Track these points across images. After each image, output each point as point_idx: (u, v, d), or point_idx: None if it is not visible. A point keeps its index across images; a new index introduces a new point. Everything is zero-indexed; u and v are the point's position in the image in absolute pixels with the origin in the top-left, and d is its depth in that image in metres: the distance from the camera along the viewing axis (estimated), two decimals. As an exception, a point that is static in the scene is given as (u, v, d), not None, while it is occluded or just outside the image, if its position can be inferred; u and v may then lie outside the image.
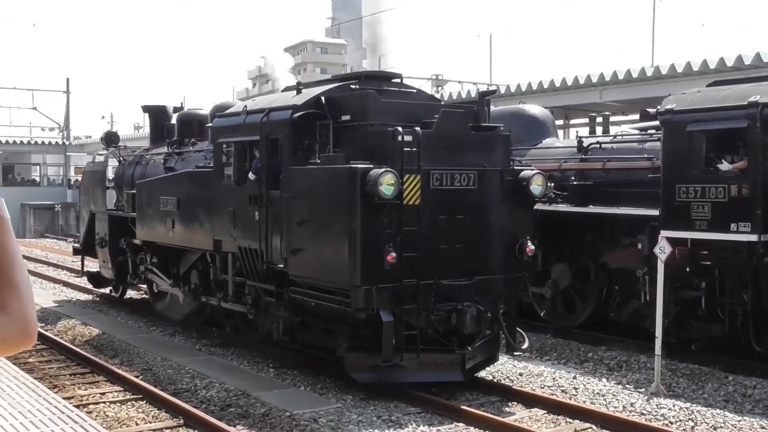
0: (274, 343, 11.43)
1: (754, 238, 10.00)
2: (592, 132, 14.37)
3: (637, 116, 18.08)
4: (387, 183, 8.87)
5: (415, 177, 9.30)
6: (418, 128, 9.42)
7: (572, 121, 20.44)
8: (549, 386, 10.19)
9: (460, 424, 8.67)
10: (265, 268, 10.73)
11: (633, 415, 8.86)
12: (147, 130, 28.37)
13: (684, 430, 8.34)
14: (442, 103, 11.99)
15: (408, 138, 9.29)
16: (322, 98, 10.21)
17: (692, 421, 8.58)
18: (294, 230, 10.08)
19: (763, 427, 8.33)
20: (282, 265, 10.31)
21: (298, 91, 10.87)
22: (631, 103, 18.31)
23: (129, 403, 9.64)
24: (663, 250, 9.91)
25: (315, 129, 10.30)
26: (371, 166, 9.02)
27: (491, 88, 16.64)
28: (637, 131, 13.12)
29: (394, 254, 9.02)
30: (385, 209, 9.07)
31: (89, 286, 18.39)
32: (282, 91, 12.32)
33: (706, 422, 8.52)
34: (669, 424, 8.51)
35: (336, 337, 9.86)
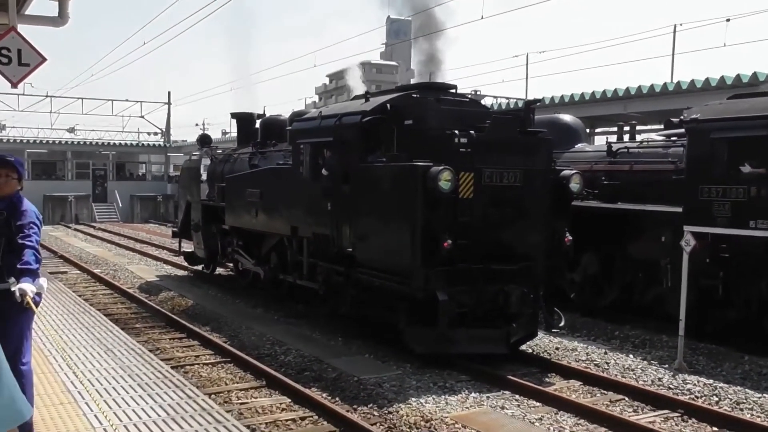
0: (341, 316, 11.13)
1: (771, 233, 9.42)
2: (620, 138, 13.75)
3: (654, 126, 17.43)
4: (445, 179, 8.53)
5: (470, 174, 8.95)
6: (472, 132, 9.05)
7: (597, 130, 19.79)
8: (583, 360, 9.69)
9: (507, 392, 8.24)
10: (336, 252, 10.45)
11: (661, 389, 8.32)
12: (234, 134, 28.44)
13: (710, 404, 7.77)
14: (492, 110, 11.55)
15: (463, 140, 8.96)
16: (388, 105, 9.88)
17: (716, 396, 8.01)
18: (362, 219, 9.78)
19: (781, 403, 7.74)
20: (350, 249, 10.04)
21: (366, 99, 10.55)
22: (650, 114, 17.62)
23: (219, 365, 9.40)
24: (688, 243, 9.37)
25: (381, 132, 9.97)
26: (431, 164, 8.66)
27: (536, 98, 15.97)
28: (661, 138, 12.49)
29: (449, 241, 8.68)
30: (442, 202, 8.70)
31: (185, 264, 18.36)
32: (351, 99, 11.98)
33: (729, 398, 7.94)
34: (695, 399, 7.96)
35: (396, 313, 9.51)
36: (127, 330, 10.86)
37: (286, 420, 7.23)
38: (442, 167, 8.55)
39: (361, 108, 10.19)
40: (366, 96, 10.75)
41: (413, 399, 7.79)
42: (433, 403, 7.68)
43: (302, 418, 7.31)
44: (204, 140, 18.41)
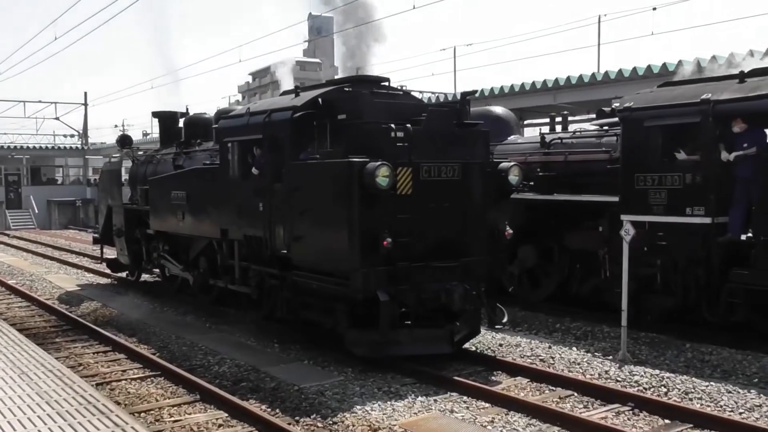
0: (276, 321, 10.62)
1: (708, 220, 9.42)
2: (552, 129, 13.68)
3: (584, 116, 17.51)
4: (383, 175, 8.17)
5: (408, 169, 8.61)
6: (409, 125, 8.71)
7: (527, 121, 19.84)
8: (528, 356, 9.48)
9: (454, 394, 7.92)
10: (269, 254, 9.95)
11: (609, 382, 8.17)
12: (155, 135, 27.37)
13: (659, 396, 7.65)
14: (428, 103, 11.25)
15: (400, 134, 8.62)
16: (320, 99, 9.47)
17: (665, 387, 7.89)
18: (296, 219, 9.31)
19: (729, 391, 7.68)
20: (285, 251, 9.57)
21: (297, 94, 10.08)
22: (580, 104, 17.72)
23: (149, 379, 8.76)
24: (628, 232, 9.29)
25: (313, 127, 9.53)
26: (368, 159, 8.26)
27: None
28: (594, 128, 12.46)
29: (389, 239, 8.33)
30: (380, 199, 8.32)
31: (108, 271, 17.45)
32: (280, 95, 11.47)
33: (677, 388, 7.83)
34: (644, 390, 7.83)
35: (336, 315, 9.08)
36: (46, 346, 10.09)
37: (224, 438, 6.72)
38: (379, 163, 8.18)
39: (291, 103, 9.73)
40: (296, 91, 10.29)
41: (358, 407, 7.38)
42: (379, 410, 7.29)
43: (241, 435, 6.81)
44: (124, 141, 17.53)
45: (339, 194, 8.58)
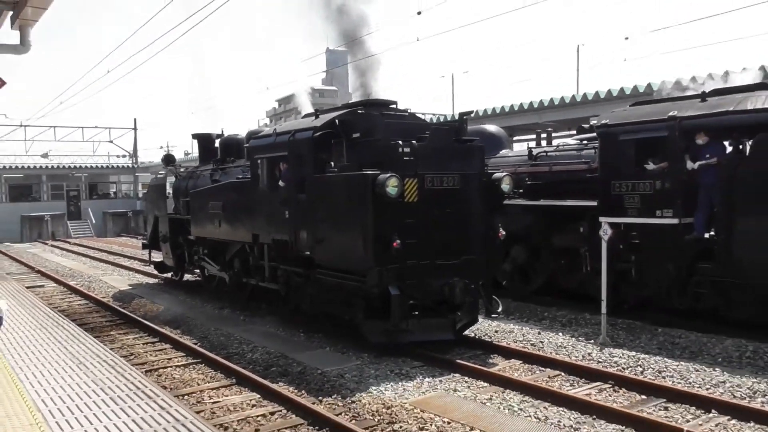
0: (302, 314, 10.57)
1: (675, 221, 9.32)
2: (538, 144, 13.59)
3: (566, 132, 17.42)
4: (392, 185, 8.11)
5: (414, 180, 8.54)
6: (414, 142, 8.66)
7: (516, 137, 19.75)
8: (520, 340, 9.38)
9: (457, 375, 7.85)
10: (295, 255, 9.90)
11: (592, 363, 8.07)
12: (195, 154, 27.36)
13: (636, 374, 7.55)
14: (430, 122, 11.19)
15: (407, 149, 8.55)
16: (337, 120, 9.41)
17: (641, 366, 7.79)
18: (318, 225, 9.26)
19: (696, 370, 7.56)
20: (308, 252, 9.51)
21: (316, 116, 10.05)
22: (562, 122, 17.63)
23: (191, 366, 8.73)
24: (606, 232, 9.20)
25: (331, 145, 9.49)
26: (379, 172, 8.22)
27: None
28: (575, 142, 12.37)
29: (398, 241, 8.27)
30: (390, 206, 8.26)
31: (155, 272, 17.43)
32: (302, 117, 11.44)
33: (651, 367, 7.72)
34: (622, 370, 7.73)
35: (353, 308, 9.02)
36: (102, 338, 10.08)
37: (257, 416, 6.67)
38: (389, 174, 8.13)
39: (312, 124, 9.69)
40: (316, 114, 10.26)
41: (373, 387, 7.32)
42: (392, 391, 7.23)
43: (272, 413, 6.75)
44: (168, 160, 17.56)
45: (355, 202, 8.52)
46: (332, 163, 9.43)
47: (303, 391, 7.36)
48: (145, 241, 18.20)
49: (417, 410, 6.57)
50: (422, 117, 11.06)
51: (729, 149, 9.39)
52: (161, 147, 57.25)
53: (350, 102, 10.80)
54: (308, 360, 8.51)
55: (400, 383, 7.49)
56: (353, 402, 6.88)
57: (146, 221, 18.73)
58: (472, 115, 18.00)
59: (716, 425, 6.06)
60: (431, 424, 6.19)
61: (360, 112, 9.55)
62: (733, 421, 6.12)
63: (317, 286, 9.56)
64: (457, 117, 9.74)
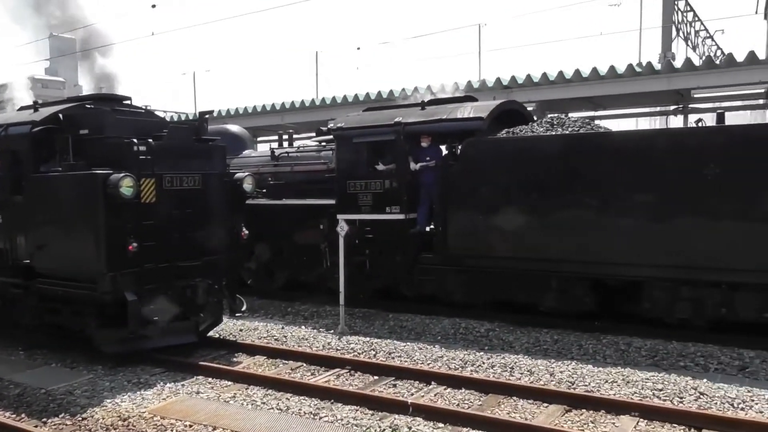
0: (23, 328, 9.35)
1: (402, 216, 10.26)
2: (280, 145, 13.84)
3: (306, 134, 18.01)
4: (127, 185, 7.58)
5: (151, 180, 8.08)
6: (151, 140, 8.20)
7: (259, 138, 19.84)
8: (264, 337, 9.50)
9: (200, 377, 7.66)
10: (11, 265, 8.73)
11: (331, 352, 8.52)
12: None
13: (369, 358, 8.16)
14: (170, 120, 10.67)
15: (143, 148, 8.07)
16: (60, 115, 8.51)
17: (374, 350, 8.44)
18: (39, 230, 8.27)
19: (420, 348, 8.43)
20: (28, 260, 8.46)
21: (36, 110, 8.98)
22: (302, 124, 18.17)
23: None
24: (342, 228, 9.75)
25: (54, 142, 8.54)
26: (111, 171, 7.63)
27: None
28: (315, 143, 12.86)
29: (135, 244, 7.78)
30: (125, 207, 7.72)
31: None
32: (18, 110, 10.10)
33: (383, 350, 8.42)
34: (358, 355, 8.29)
35: (85, 318, 8.25)
36: None
37: (-37, 450, 5.76)
38: (122, 174, 7.58)
39: (30, 118, 8.63)
40: (35, 106, 9.15)
41: (108, 400, 6.80)
42: (129, 401, 6.79)
43: (-17, 444, 5.89)
44: None
45: (84, 204, 7.78)
46: (56, 162, 8.50)
47: (23, 414, 6.54)
48: None
49: (157, 417, 6.28)
50: (161, 115, 10.54)
51: (445, 152, 10.62)
52: None
53: (77, 95, 9.86)
54: (29, 379, 7.58)
55: (138, 392, 7.07)
56: (84, 419, 6.31)
57: None
58: (215, 114, 17.73)
59: (435, 395, 6.83)
60: (172, 430, 5.97)
61: (88, 106, 8.77)
62: (449, 390, 6.96)
63: (39, 296, 8.55)
64: (198, 116, 9.45)
